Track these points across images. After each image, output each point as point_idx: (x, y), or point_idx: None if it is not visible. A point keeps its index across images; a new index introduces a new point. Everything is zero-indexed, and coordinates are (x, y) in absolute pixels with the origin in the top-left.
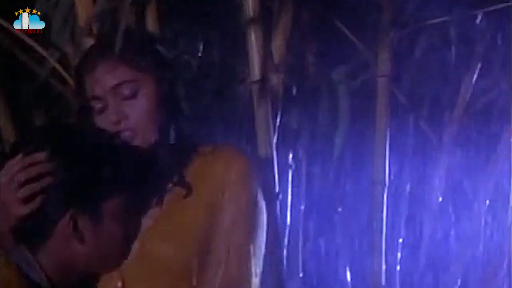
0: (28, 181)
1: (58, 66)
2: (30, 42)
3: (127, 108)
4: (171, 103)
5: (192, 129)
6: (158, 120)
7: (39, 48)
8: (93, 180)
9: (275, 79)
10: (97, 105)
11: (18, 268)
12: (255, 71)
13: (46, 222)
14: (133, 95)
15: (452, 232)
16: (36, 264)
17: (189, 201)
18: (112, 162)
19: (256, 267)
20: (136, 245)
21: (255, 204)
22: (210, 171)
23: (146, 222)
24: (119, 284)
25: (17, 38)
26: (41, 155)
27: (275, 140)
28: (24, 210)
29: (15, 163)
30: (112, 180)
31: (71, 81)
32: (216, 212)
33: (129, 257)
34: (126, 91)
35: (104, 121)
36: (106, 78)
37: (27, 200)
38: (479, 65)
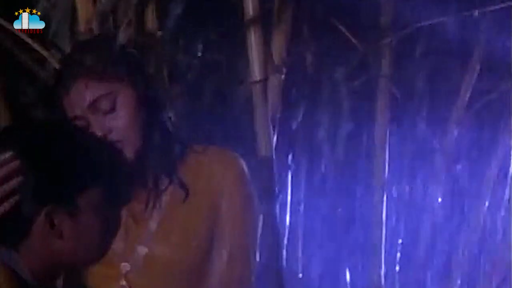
0: None
1: (58, 67)
2: (30, 42)
3: (109, 122)
4: (151, 104)
5: (177, 125)
6: (142, 124)
7: (39, 48)
8: (66, 176)
9: (275, 79)
10: (81, 124)
11: (7, 265)
12: (255, 71)
13: (22, 222)
14: (112, 108)
15: (452, 232)
16: (20, 262)
17: (190, 204)
18: (83, 156)
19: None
20: (142, 249)
21: (251, 205)
22: (208, 174)
23: (150, 226)
24: None
25: (17, 38)
26: (6, 156)
27: (275, 140)
28: None
29: None
30: (85, 173)
31: None
32: (216, 214)
33: (134, 261)
34: (104, 105)
35: None
36: (82, 97)
37: None
38: (479, 66)
